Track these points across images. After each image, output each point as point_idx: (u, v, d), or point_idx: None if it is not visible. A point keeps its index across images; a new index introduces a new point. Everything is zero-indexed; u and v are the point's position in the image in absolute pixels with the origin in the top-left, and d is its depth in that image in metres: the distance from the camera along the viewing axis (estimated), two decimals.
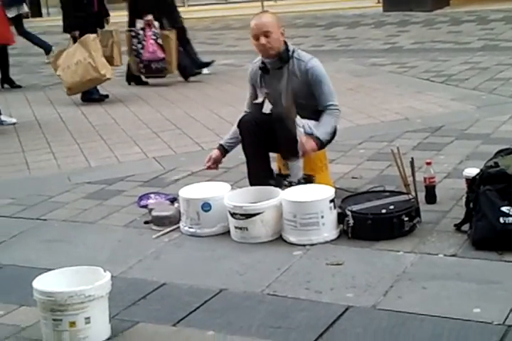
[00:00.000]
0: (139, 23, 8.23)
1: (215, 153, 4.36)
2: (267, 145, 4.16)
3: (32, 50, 11.61)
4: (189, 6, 17.74)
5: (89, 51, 7.50)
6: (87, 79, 7.54)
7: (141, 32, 8.19)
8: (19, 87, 9.16)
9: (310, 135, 4.07)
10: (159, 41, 8.16)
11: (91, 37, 7.55)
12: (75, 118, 7.18)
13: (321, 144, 4.14)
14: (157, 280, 3.38)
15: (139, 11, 8.14)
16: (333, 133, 4.29)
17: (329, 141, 4.30)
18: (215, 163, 4.37)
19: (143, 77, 8.65)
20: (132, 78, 8.70)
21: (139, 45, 8.21)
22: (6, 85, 9.27)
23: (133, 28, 8.29)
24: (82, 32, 7.60)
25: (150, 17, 8.00)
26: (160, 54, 8.16)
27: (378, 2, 14.82)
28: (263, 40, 4.10)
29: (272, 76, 4.25)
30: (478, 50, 9.12)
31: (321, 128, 4.14)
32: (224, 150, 4.35)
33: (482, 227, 3.38)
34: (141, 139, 6.09)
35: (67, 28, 7.79)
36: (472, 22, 11.71)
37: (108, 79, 7.61)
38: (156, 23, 8.11)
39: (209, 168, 4.38)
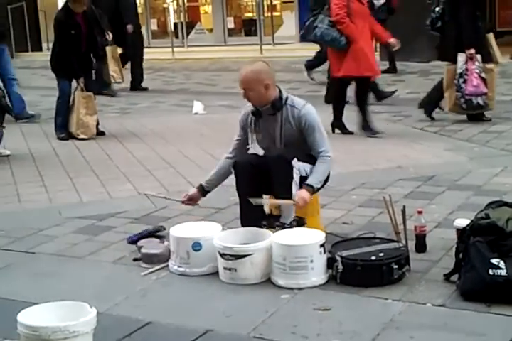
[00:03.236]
0: (461, 57, 7.76)
1: (193, 190, 4.47)
2: (260, 187, 4.18)
3: (32, 82, 11.69)
4: (188, 46, 17.94)
5: (77, 107, 7.73)
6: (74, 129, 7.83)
7: (463, 66, 7.72)
8: (351, 133, 7.60)
9: (302, 185, 4.11)
10: (482, 75, 7.72)
11: (81, 94, 7.72)
12: (69, 153, 7.19)
13: (313, 191, 4.16)
14: (143, 319, 3.35)
15: (462, 45, 7.69)
16: (326, 178, 4.32)
17: (322, 186, 4.32)
18: (190, 199, 4.46)
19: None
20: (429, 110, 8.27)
21: (461, 79, 7.74)
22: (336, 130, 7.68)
23: (455, 63, 7.79)
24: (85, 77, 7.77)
25: (473, 51, 7.63)
26: (483, 88, 7.69)
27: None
28: (244, 94, 4.22)
29: (265, 121, 4.29)
30: None
31: (313, 176, 4.17)
32: (202, 189, 4.44)
33: (471, 278, 3.38)
34: (134, 176, 6.10)
35: (74, 75, 7.81)
36: None
37: (82, 139, 7.74)
38: (479, 57, 7.70)
39: (183, 202, 4.49)
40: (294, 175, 4.06)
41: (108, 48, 7.94)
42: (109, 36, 8.19)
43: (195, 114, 9.25)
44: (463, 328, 3.12)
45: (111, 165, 6.57)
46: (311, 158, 4.22)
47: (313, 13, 10.80)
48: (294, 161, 4.08)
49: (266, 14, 18.75)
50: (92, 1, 9.17)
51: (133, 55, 11.26)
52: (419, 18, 12.76)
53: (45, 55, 17.18)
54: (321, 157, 4.22)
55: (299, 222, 4.12)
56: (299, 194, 4.07)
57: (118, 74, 8.19)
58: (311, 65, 11.63)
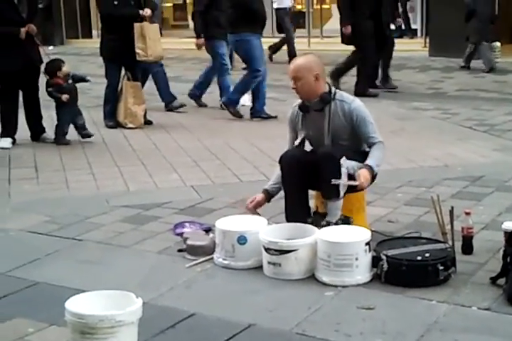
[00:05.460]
0: None
1: (260, 196, 4.36)
2: (306, 182, 4.18)
3: (82, 69, 11.74)
4: None
5: (125, 96, 7.83)
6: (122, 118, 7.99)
7: None
8: None
9: (363, 165, 4.08)
10: None
11: (129, 84, 7.85)
12: (116, 141, 7.26)
13: (373, 173, 4.10)
14: (187, 310, 3.38)
15: None
16: (374, 176, 4.29)
17: (370, 183, 4.29)
18: (257, 206, 4.36)
19: None
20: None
21: None
22: None
23: None
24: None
25: None
26: None
27: (425, 46, 14.87)
28: (293, 84, 4.20)
29: (313, 117, 4.28)
30: None
31: (371, 159, 4.14)
32: (268, 195, 4.36)
33: None
34: (181, 167, 6.14)
35: (121, 60, 7.97)
36: None
37: (129, 128, 7.83)
38: None
39: (248, 209, 4.37)
40: (342, 175, 4.02)
41: (137, 25, 7.80)
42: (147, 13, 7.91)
43: (242, 105, 9.25)
44: (508, 333, 3.09)
45: (158, 155, 6.62)
46: (360, 156, 4.20)
47: None
48: (343, 160, 4.04)
49: (315, 6, 18.64)
50: None
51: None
52: None
53: (95, 42, 17.33)
54: (375, 144, 4.20)
55: (345, 221, 4.09)
56: (361, 173, 4.02)
57: (144, 51, 8.10)
58: None
